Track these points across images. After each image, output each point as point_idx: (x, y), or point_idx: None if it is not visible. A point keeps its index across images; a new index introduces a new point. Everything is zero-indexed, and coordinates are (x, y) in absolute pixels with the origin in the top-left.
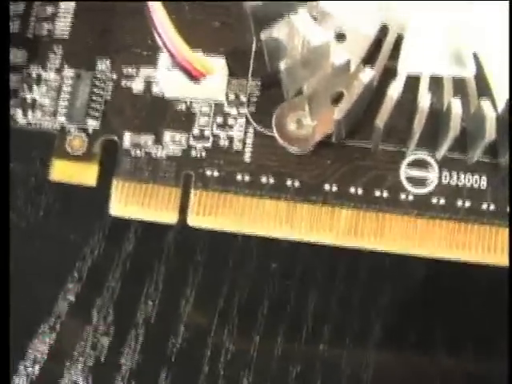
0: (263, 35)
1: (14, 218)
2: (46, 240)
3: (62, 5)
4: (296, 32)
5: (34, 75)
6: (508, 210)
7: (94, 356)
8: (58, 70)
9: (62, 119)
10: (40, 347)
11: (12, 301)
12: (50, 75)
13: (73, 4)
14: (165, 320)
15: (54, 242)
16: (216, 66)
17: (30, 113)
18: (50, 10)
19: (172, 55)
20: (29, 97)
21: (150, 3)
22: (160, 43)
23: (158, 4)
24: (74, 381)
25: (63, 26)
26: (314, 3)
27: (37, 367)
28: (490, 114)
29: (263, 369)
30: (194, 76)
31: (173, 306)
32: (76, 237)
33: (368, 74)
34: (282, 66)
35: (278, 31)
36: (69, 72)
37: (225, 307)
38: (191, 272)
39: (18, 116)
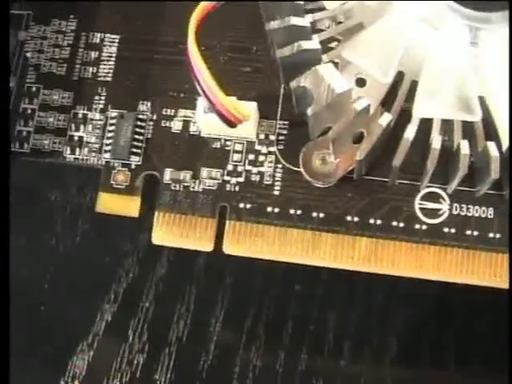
0: (292, 84)
1: (53, 243)
2: (83, 264)
3: (105, 50)
4: (321, 80)
5: (80, 115)
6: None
7: (129, 372)
8: (103, 111)
9: (106, 155)
10: (79, 364)
11: (52, 320)
12: (96, 115)
13: (114, 49)
14: (196, 338)
15: (91, 266)
16: (249, 110)
17: (77, 150)
18: (93, 55)
19: (211, 103)
20: (76, 135)
21: (189, 51)
22: (199, 91)
23: (197, 53)
24: None
25: (106, 69)
26: (336, 52)
27: (76, 382)
28: (495, 154)
29: (288, 383)
30: (231, 123)
31: (203, 326)
32: (111, 261)
33: (386, 118)
34: (310, 111)
35: (305, 80)
36: (112, 112)
37: (252, 326)
38: (220, 294)
39: (66, 152)
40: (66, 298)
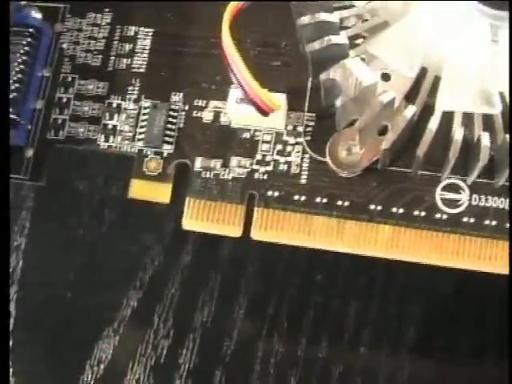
0: (322, 76)
1: (84, 230)
2: (110, 251)
3: (139, 42)
4: (349, 74)
5: (114, 105)
6: None
7: (154, 356)
8: (136, 101)
9: (139, 144)
10: (105, 348)
11: (80, 306)
12: (129, 105)
13: (148, 42)
14: (219, 325)
15: (118, 252)
16: (280, 101)
17: (111, 138)
18: (127, 47)
19: (245, 92)
20: (110, 123)
21: (225, 44)
22: (234, 81)
23: (232, 44)
24: (137, 379)
25: (140, 61)
26: (363, 48)
27: (102, 366)
28: None
29: (309, 369)
30: (264, 111)
31: (227, 312)
32: (137, 248)
33: (411, 111)
34: (338, 102)
35: (335, 73)
36: (146, 102)
37: (274, 313)
38: (244, 281)
39: (100, 140)
40: (93, 285)
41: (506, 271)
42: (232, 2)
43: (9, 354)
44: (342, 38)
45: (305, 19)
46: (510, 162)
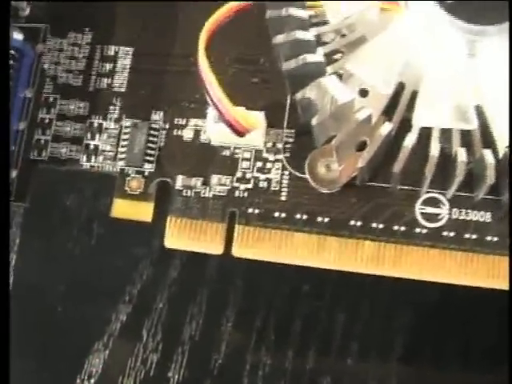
0: (298, 95)
1: (70, 247)
2: (99, 266)
3: (119, 62)
4: (325, 92)
5: (95, 124)
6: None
7: (144, 370)
8: (117, 120)
9: (121, 163)
10: (95, 363)
11: (69, 321)
12: (111, 124)
13: (128, 61)
14: (208, 338)
15: (106, 269)
16: (257, 119)
17: (92, 157)
18: (108, 66)
19: (220, 113)
20: (92, 143)
21: (200, 65)
22: (209, 102)
23: (207, 66)
24: None
25: (121, 80)
26: (340, 64)
27: (92, 380)
28: (491, 161)
29: (296, 381)
30: (240, 132)
31: (215, 326)
32: (126, 263)
33: (387, 127)
34: (314, 121)
35: (310, 92)
36: (127, 122)
37: (262, 326)
38: (231, 295)
39: (83, 160)
40: (82, 300)
41: (486, 284)
42: (210, 19)
43: (9, 356)
44: (317, 57)
45: (280, 37)
46: (509, 174)
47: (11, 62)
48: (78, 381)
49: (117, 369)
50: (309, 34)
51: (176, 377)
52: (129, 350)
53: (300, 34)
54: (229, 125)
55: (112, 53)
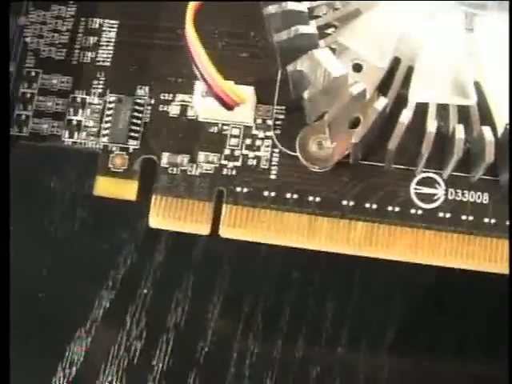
0: (289, 68)
1: (52, 230)
2: (81, 250)
3: (104, 35)
4: (318, 65)
5: (78, 99)
6: (507, 223)
7: (127, 358)
8: (101, 95)
9: (104, 139)
10: (77, 350)
11: (51, 307)
12: (94, 99)
13: (113, 35)
14: (193, 325)
15: (89, 252)
16: (246, 93)
17: (75, 134)
18: (92, 40)
19: (209, 86)
20: (74, 119)
21: (187, 35)
22: (197, 74)
23: (195, 37)
24: (109, 381)
25: (105, 54)
26: (333, 38)
27: (74, 369)
28: (490, 138)
29: (285, 370)
30: (228, 105)
31: (201, 312)
32: (109, 247)
33: (382, 103)
34: (306, 95)
35: (302, 64)
36: (111, 97)
37: (249, 313)
38: (218, 280)
39: (65, 136)
40: (64, 285)
41: (483, 267)
42: None
43: (9, 355)
44: (310, 28)
45: (272, 8)
46: (510, 154)
47: None
48: (60, 369)
49: (99, 356)
50: (301, 6)
51: (160, 365)
52: (112, 337)
53: (292, 5)
54: (217, 97)
55: (97, 26)
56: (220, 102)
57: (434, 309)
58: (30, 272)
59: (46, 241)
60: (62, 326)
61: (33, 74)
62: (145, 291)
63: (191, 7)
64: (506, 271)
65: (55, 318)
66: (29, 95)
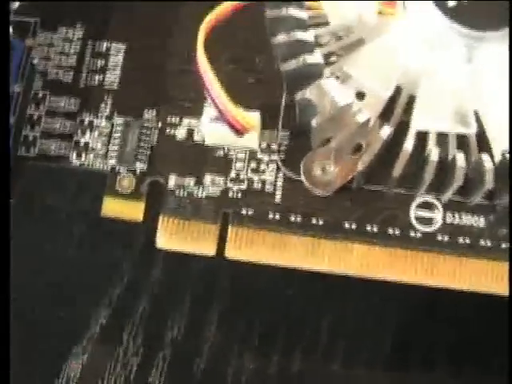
0: (297, 96)
1: (55, 246)
2: (78, 267)
3: (111, 58)
4: (325, 94)
5: (86, 122)
6: (503, 245)
7: (124, 375)
8: (109, 118)
9: (112, 161)
10: (73, 367)
11: (47, 323)
12: (102, 122)
13: (120, 58)
14: (190, 342)
15: (86, 269)
16: (255, 120)
17: (83, 155)
18: (100, 63)
19: (221, 112)
20: (82, 141)
21: (200, 63)
22: (209, 100)
23: (207, 64)
24: None
25: (112, 78)
26: (338, 66)
27: None
28: (489, 165)
29: None
30: (239, 131)
31: (197, 329)
32: (109, 264)
33: (386, 131)
34: (314, 122)
35: (310, 92)
36: (118, 120)
37: (246, 330)
38: (215, 298)
39: (72, 158)
40: (62, 301)
41: (478, 288)
42: (208, 16)
43: (9, 355)
44: (317, 58)
45: (279, 38)
46: (510, 180)
47: None
48: None
49: (96, 373)
50: (308, 35)
51: (157, 382)
52: (108, 353)
53: (300, 35)
54: (228, 123)
55: (104, 49)
56: (231, 128)
57: (429, 328)
58: (27, 287)
59: (45, 258)
60: (59, 342)
61: (40, 95)
62: (141, 308)
63: (202, 33)
64: (500, 292)
65: (52, 334)
66: (36, 117)
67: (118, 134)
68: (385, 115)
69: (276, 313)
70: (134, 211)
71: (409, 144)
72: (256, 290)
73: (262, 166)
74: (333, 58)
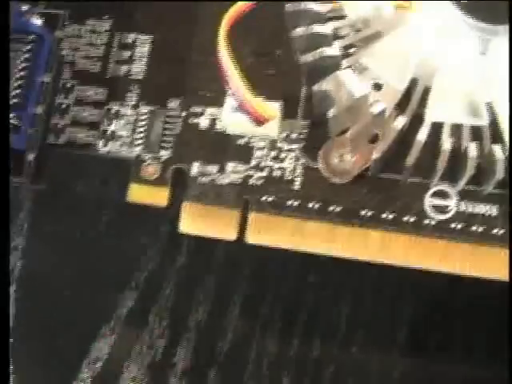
0: (314, 87)
1: (82, 231)
2: (107, 252)
3: (137, 50)
4: (341, 85)
5: (113, 111)
6: None
7: (150, 356)
8: (135, 107)
9: (137, 149)
10: (101, 347)
11: (75, 306)
12: (128, 111)
13: (146, 49)
14: (214, 325)
15: (114, 254)
16: (275, 110)
17: (109, 143)
18: (126, 54)
19: (240, 103)
20: (109, 129)
21: (221, 55)
22: (230, 91)
23: (228, 57)
24: (132, 377)
25: (139, 68)
26: (355, 58)
27: (98, 364)
28: (501, 156)
29: (301, 369)
30: (259, 121)
31: (221, 313)
32: (135, 249)
33: (401, 122)
34: (331, 113)
35: (327, 84)
36: (144, 109)
37: (268, 314)
38: (238, 283)
39: (99, 145)
40: (90, 285)
41: (491, 275)
42: (230, 9)
43: (9, 353)
44: (334, 50)
45: (298, 31)
46: (509, 174)
47: (30, 46)
48: (84, 366)
49: (123, 354)
50: (326, 28)
51: (182, 363)
52: (135, 335)
53: (318, 28)
54: (248, 114)
55: (130, 40)
56: (250, 118)
57: (443, 314)
58: (56, 273)
59: (73, 243)
60: (86, 324)
61: (69, 85)
62: (167, 292)
63: (225, 25)
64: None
65: (80, 316)
66: (64, 105)
67: (143, 123)
68: (401, 106)
69: (297, 298)
70: (158, 197)
71: (422, 135)
72: (278, 275)
73: (282, 155)
74: (352, 50)
